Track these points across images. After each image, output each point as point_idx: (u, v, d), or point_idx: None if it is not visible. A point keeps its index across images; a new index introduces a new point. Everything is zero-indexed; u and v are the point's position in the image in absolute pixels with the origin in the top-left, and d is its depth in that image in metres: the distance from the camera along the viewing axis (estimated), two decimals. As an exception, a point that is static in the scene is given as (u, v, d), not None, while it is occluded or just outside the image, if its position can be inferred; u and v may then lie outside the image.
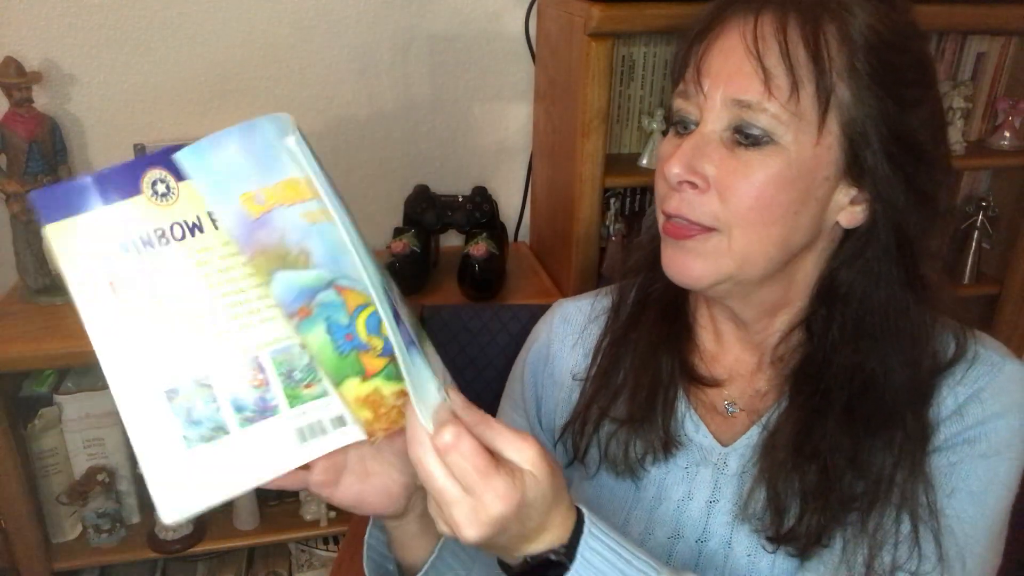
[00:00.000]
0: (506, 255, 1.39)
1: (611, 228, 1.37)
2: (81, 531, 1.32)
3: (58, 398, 1.25)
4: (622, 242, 1.38)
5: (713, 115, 0.61)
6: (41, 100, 1.26)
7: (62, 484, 1.28)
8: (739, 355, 0.73)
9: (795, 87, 0.58)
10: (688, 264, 0.64)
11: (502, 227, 1.42)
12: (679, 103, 0.64)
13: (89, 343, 0.52)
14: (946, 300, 0.67)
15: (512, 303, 1.22)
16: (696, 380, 0.73)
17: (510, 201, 1.55)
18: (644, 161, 1.29)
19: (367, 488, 0.59)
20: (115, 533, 1.30)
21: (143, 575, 1.45)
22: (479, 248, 1.28)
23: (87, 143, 1.34)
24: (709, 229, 0.62)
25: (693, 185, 0.62)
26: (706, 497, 0.71)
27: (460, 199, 1.38)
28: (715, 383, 0.73)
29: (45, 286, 1.25)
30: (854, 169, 0.61)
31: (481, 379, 1.10)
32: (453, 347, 1.10)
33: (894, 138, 0.60)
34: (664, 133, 1.28)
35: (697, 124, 0.63)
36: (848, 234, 0.65)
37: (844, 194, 0.63)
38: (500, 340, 1.10)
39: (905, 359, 0.64)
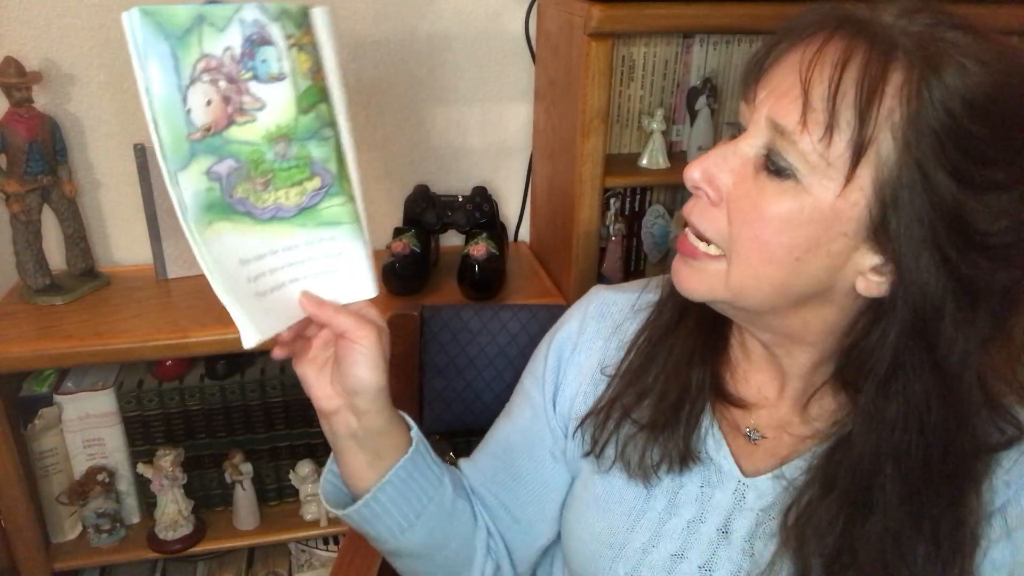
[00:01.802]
0: (506, 255, 1.39)
1: (611, 228, 1.37)
2: (81, 531, 1.32)
3: (58, 398, 1.25)
4: (622, 242, 1.38)
5: (755, 130, 0.58)
6: (41, 100, 1.26)
7: (62, 484, 1.28)
8: (765, 380, 0.71)
9: (830, 129, 0.53)
10: (685, 276, 0.64)
11: (502, 227, 1.42)
12: (741, 105, 0.61)
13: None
14: (1005, 378, 0.61)
15: (512, 303, 1.22)
16: (724, 397, 0.71)
17: (510, 201, 1.55)
18: (644, 161, 1.29)
19: (323, 374, 0.68)
20: (115, 533, 1.30)
21: (143, 575, 1.45)
22: (479, 248, 1.28)
23: (87, 143, 1.34)
24: (716, 256, 0.61)
25: (707, 195, 0.60)
26: (718, 525, 0.70)
27: (460, 199, 1.38)
28: (742, 404, 0.71)
29: (45, 286, 1.25)
30: (880, 234, 0.55)
31: (481, 379, 1.10)
32: (453, 347, 1.10)
33: (937, 216, 0.53)
34: (662, 133, 1.28)
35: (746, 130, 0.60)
36: (867, 301, 0.59)
37: (866, 258, 0.57)
38: (500, 340, 1.10)
39: (941, 448, 0.59)
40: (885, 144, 0.53)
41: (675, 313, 0.72)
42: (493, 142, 1.50)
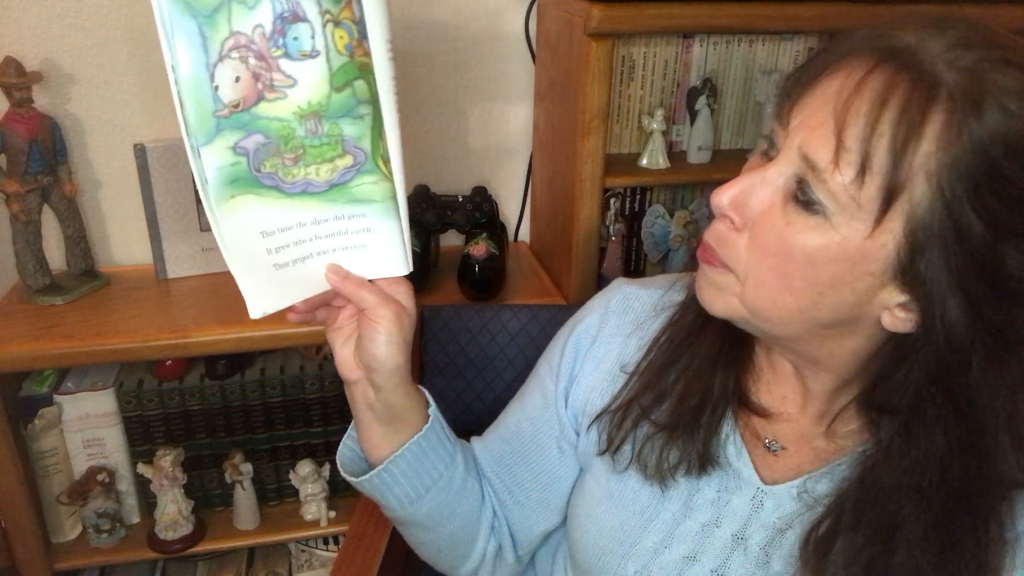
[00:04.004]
0: (506, 255, 1.39)
1: (611, 228, 1.37)
2: (81, 531, 1.32)
3: (58, 398, 1.25)
4: (622, 242, 1.38)
5: (786, 158, 0.56)
6: (41, 100, 1.26)
7: (62, 484, 1.28)
8: (788, 393, 0.70)
9: (863, 171, 0.51)
10: (705, 291, 0.63)
11: (502, 227, 1.42)
12: (774, 124, 0.59)
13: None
14: None
15: (512, 303, 1.22)
16: (746, 405, 0.70)
17: (510, 201, 1.55)
18: (644, 161, 1.29)
19: (348, 344, 0.69)
20: (115, 533, 1.30)
21: (143, 575, 1.45)
22: (479, 248, 1.28)
23: (87, 143, 1.34)
24: (725, 266, 0.60)
25: (731, 221, 0.59)
26: (733, 530, 0.69)
27: (460, 199, 1.38)
28: (764, 413, 0.70)
29: (45, 286, 1.25)
30: (908, 276, 0.54)
31: (481, 379, 1.10)
32: (453, 347, 1.10)
33: (968, 262, 0.52)
34: (662, 133, 1.28)
35: (778, 154, 0.58)
36: (895, 335, 0.58)
37: (893, 295, 0.56)
38: (500, 340, 1.10)
39: (963, 489, 0.58)
40: (919, 187, 0.51)
41: (701, 315, 0.71)
42: (493, 142, 1.50)
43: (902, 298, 0.55)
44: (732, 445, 0.70)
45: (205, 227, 1.34)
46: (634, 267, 1.45)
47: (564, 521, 0.83)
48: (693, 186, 1.41)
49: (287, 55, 0.55)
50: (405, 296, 0.68)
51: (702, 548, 0.70)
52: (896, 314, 0.56)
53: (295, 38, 0.55)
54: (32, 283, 1.24)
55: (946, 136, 0.50)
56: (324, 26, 0.55)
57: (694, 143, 1.31)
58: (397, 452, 0.71)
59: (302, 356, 1.34)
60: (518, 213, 1.56)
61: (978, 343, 0.53)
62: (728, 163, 1.33)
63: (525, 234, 1.57)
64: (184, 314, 1.22)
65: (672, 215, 1.41)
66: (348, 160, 0.60)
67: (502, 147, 1.51)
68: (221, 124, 0.54)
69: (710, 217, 0.63)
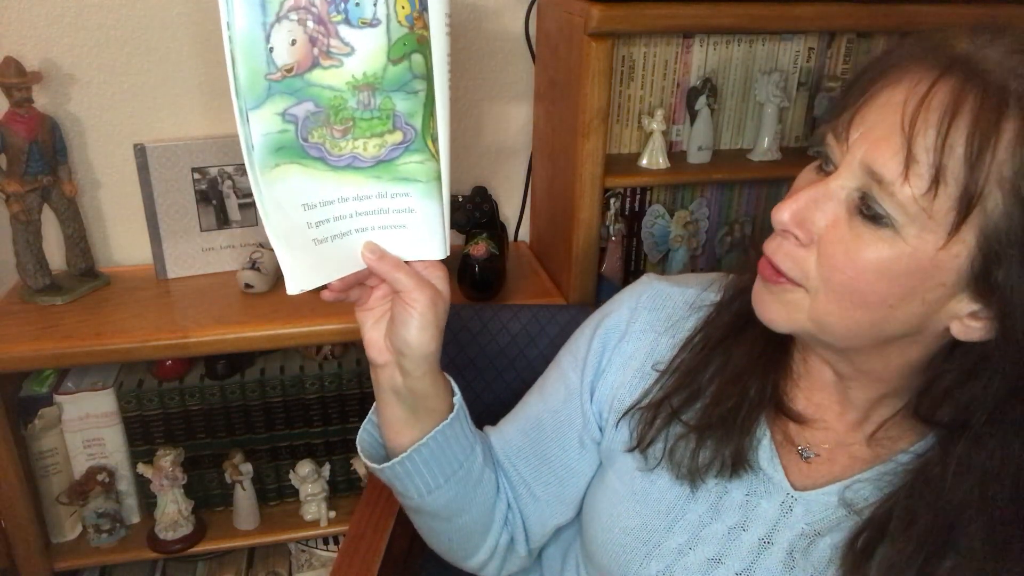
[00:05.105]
0: (506, 255, 1.39)
1: (611, 228, 1.37)
2: (81, 531, 1.32)
3: (58, 398, 1.25)
4: (622, 242, 1.38)
5: (847, 172, 0.55)
6: (41, 100, 1.26)
7: (62, 484, 1.28)
8: (825, 401, 0.69)
9: (936, 183, 0.51)
10: (768, 306, 0.62)
11: (502, 227, 1.42)
12: (829, 138, 0.58)
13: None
14: None
15: (512, 303, 1.22)
16: (781, 410, 0.70)
17: (510, 201, 1.55)
18: (644, 161, 1.29)
19: (379, 325, 0.68)
20: (115, 533, 1.30)
21: (143, 575, 1.45)
22: (479, 248, 1.28)
23: (87, 143, 1.34)
24: (794, 282, 0.59)
25: (796, 237, 0.58)
26: (760, 534, 0.69)
27: (460, 199, 1.38)
28: (799, 419, 0.69)
29: (45, 286, 1.25)
30: (981, 285, 0.54)
31: (481, 379, 1.10)
32: (453, 347, 1.10)
33: None
34: (662, 133, 1.28)
35: (835, 168, 0.57)
36: (961, 343, 0.58)
37: (963, 305, 0.56)
38: (500, 340, 1.10)
39: None
40: (993, 198, 0.51)
41: (738, 317, 0.70)
42: (493, 142, 1.50)
43: (974, 307, 0.55)
44: (765, 449, 0.70)
45: (205, 227, 1.34)
46: (634, 267, 1.45)
47: (577, 517, 0.83)
48: (693, 186, 1.41)
49: (347, 21, 0.53)
50: (441, 281, 0.66)
51: (728, 551, 0.69)
52: (967, 323, 0.56)
53: (357, 3, 0.53)
54: (32, 283, 1.24)
55: (1020, 142, 0.50)
56: None
57: (694, 143, 1.31)
58: (421, 441, 0.70)
59: (302, 356, 1.34)
60: (518, 213, 1.56)
61: None
62: (728, 163, 1.33)
63: (525, 234, 1.57)
64: (184, 314, 1.22)
65: (672, 215, 1.41)
66: (398, 136, 0.58)
67: (502, 147, 1.51)
68: (272, 88, 0.52)
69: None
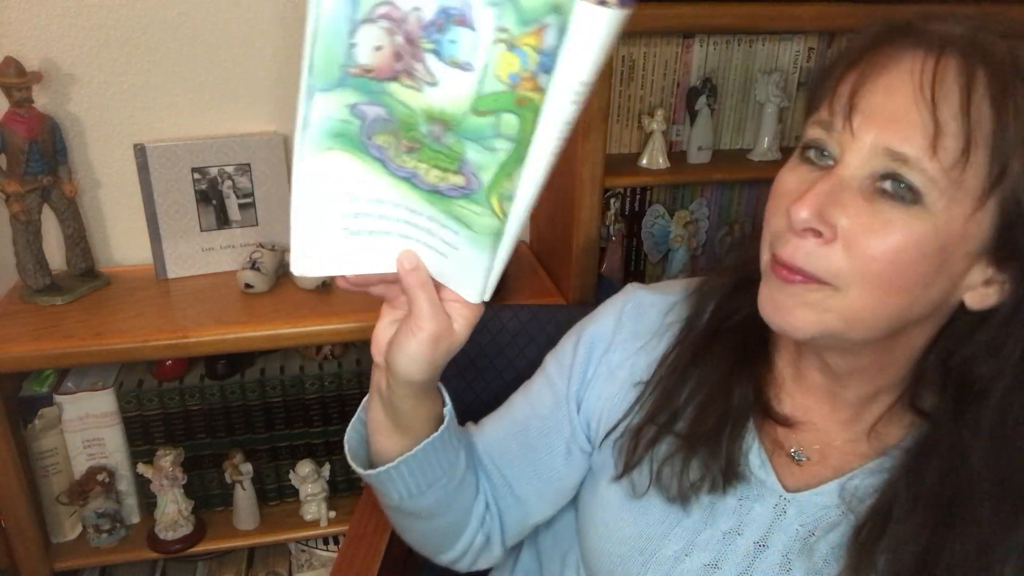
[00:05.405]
0: (506, 255, 1.39)
1: (611, 228, 1.37)
2: (81, 531, 1.32)
3: (58, 398, 1.25)
4: (622, 242, 1.38)
5: (858, 159, 0.54)
6: (41, 100, 1.26)
7: (62, 484, 1.28)
8: (813, 403, 0.69)
9: (966, 151, 0.51)
10: (790, 311, 0.58)
11: (502, 227, 1.42)
12: (818, 133, 0.57)
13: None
14: None
15: (512, 303, 1.22)
16: (769, 415, 0.69)
17: (510, 201, 1.54)
18: (644, 161, 1.29)
19: (391, 325, 0.65)
20: (115, 533, 1.30)
21: (143, 575, 1.45)
22: (479, 248, 1.28)
23: (87, 143, 1.34)
24: (819, 280, 0.56)
25: (818, 234, 0.55)
26: (755, 538, 0.68)
27: (460, 199, 1.37)
28: (787, 422, 0.69)
29: (45, 286, 1.25)
30: (1001, 251, 0.54)
31: (481, 379, 1.10)
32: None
33: None
34: (662, 133, 1.28)
35: (835, 161, 0.56)
36: (968, 314, 0.58)
37: (980, 273, 0.56)
38: (500, 340, 1.10)
39: None
40: (1014, 161, 0.51)
41: (707, 330, 0.70)
42: (493, 142, 1.50)
43: (989, 273, 0.56)
44: (755, 456, 0.70)
45: (205, 227, 1.34)
46: (634, 267, 1.45)
47: (571, 517, 0.83)
48: (693, 186, 1.41)
49: (437, 53, 0.49)
50: (461, 320, 0.63)
51: (724, 556, 0.69)
52: (982, 291, 0.57)
53: (452, 41, 0.48)
54: (32, 283, 1.24)
55: None
56: (494, 44, 0.47)
57: (694, 143, 1.31)
58: (409, 452, 0.69)
59: (302, 356, 1.34)
60: (518, 213, 1.55)
61: None
62: (728, 163, 1.33)
63: (525, 234, 1.57)
64: (184, 314, 1.22)
65: (672, 215, 1.41)
66: (460, 180, 0.54)
67: (502, 147, 1.50)
68: (346, 79, 0.49)
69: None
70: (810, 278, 0.57)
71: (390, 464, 0.69)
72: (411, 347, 0.61)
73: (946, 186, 0.52)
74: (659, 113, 1.28)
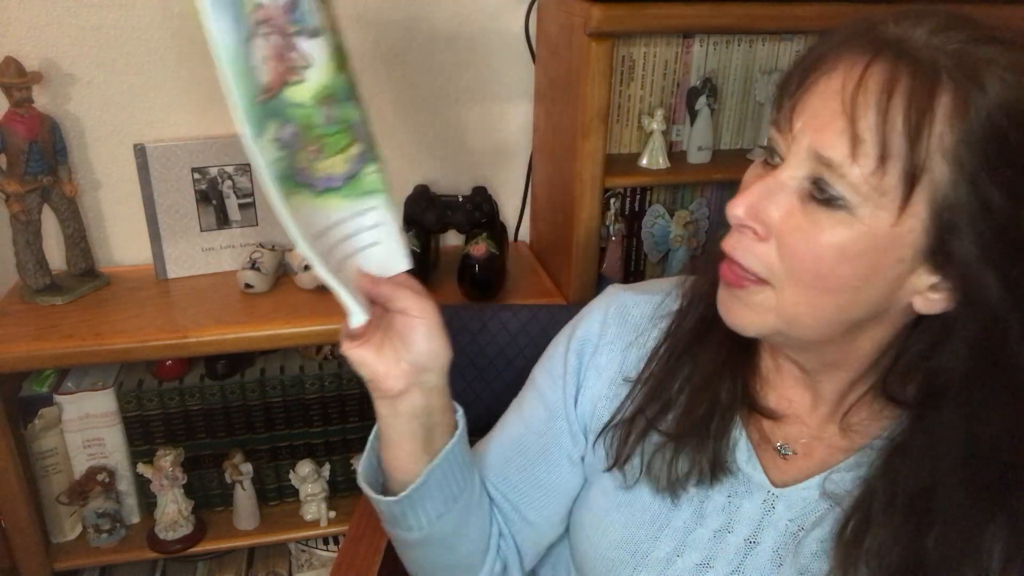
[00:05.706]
0: (506, 255, 1.39)
1: (611, 228, 1.37)
2: (81, 531, 1.32)
3: (58, 398, 1.25)
4: (622, 242, 1.38)
5: (796, 160, 0.56)
6: (41, 100, 1.26)
7: (62, 484, 1.28)
8: (796, 397, 0.70)
9: (883, 160, 0.52)
10: (738, 312, 0.62)
11: (502, 227, 1.42)
12: (772, 132, 0.59)
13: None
14: None
15: (512, 303, 1.22)
16: (755, 408, 0.70)
17: (510, 201, 1.55)
18: (644, 161, 1.29)
19: (383, 354, 0.65)
20: (115, 533, 1.30)
21: (143, 575, 1.45)
22: (479, 248, 1.28)
23: (87, 143, 1.34)
24: (761, 281, 0.59)
25: (754, 231, 0.58)
26: (745, 535, 0.69)
27: (460, 199, 1.38)
28: (773, 416, 0.70)
29: (45, 286, 1.25)
30: (938, 256, 0.55)
31: (481, 379, 1.10)
32: (453, 347, 1.09)
33: (995, 234, 0.53)
34: (662, 133, 1.28)
35: (782, 161, 0.58)
36: (926, 316, 0.59)
37: (923, 279, 0.57)
38: (500, 340, 1.10)
39: (1014, 451, 0.58)
40: (938, 168, 0.52)
41: (700, 323, 0.70)
42: (493, 142, 1.50)
43: (933, 279, 0.56)
44: (742, 450, 0.70)
45: (205, 227, 1.34)
46: (634, 267, 1.45)
47: (566, 532, 0.82)
48: (693, 186, 1.41)
49: (302, 32, 0.51)
50: (420, 287, 0.66)
51: (715, 554, 0.69)
52: (928, 296, 0.57)
53: (304, 12, 0.51)
54: (32, 283, 1.24)
55: (955, 113, 0.51)
56: (320, 2, 0.52)
57: (694, 143, 1.31)
58: (437, 459, 0.68)
59: (302, 356, 1.34)
60: (518, 213, 1.56)
61: (1014, 315, 0.54)
62: (728, 163, 1.33)
63: (525, 234, 1.57)
64: (184, 314, 1.22)
65: (672, 215, 1.41)
66: (357, 148, 0.57)
67: (502, 147, 1.51)
68: (263, 111, 0.51)
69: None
70: (748, 273, 0.59)
71: (427, 470, 0.68)
72: (431, 332, 0.64)
73: (868, 192, 0.53)
74: (659, 113, 1.28)
